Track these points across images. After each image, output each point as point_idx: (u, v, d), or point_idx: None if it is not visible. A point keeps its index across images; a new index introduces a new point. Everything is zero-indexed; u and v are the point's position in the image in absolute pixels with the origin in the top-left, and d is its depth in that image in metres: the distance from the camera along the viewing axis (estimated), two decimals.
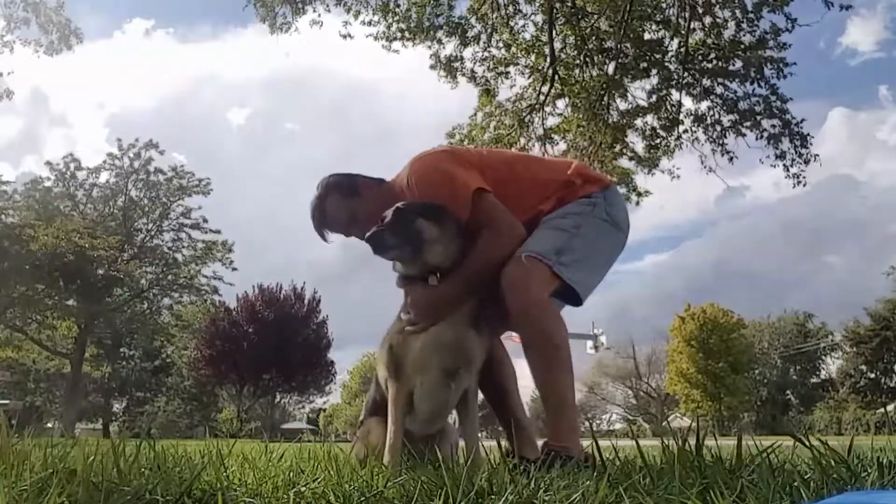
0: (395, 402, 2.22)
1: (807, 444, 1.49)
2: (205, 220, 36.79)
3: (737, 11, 10.03)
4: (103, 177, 36.85)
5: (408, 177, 2.45)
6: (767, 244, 77.88)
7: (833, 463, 1.39)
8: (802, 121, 10.29)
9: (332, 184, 2.57)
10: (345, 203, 2.52)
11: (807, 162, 10.30)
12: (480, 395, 2.46)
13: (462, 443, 2.41)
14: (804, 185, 10.37)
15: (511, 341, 2.70)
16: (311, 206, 2.59)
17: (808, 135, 10.33)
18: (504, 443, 2.40)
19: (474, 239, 2.29)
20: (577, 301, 2.42)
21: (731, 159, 10.79)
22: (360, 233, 2.40)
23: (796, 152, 10.29)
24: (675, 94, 10.88)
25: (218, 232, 36.93)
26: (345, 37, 10.51)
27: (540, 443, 2.34)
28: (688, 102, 10.92)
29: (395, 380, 2.24)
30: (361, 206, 2.50)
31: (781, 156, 10.35)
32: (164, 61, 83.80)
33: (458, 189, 2.33)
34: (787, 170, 10.32)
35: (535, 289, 2.27)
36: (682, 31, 10.34)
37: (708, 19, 10.28)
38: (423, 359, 2.22)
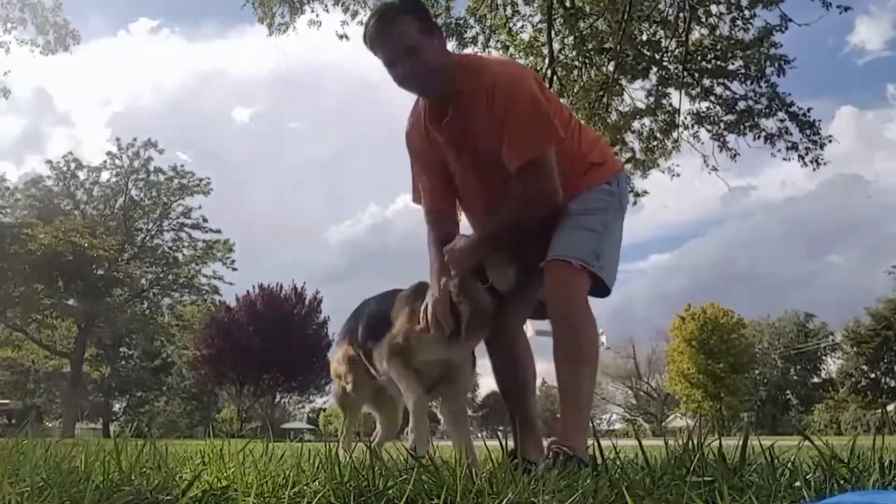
0: (402, 378, 2.36)
1: (815, 443, 1.49)
2: (205, 220, 36.89)
3: (732, 8, 10.09)
4: (104, 176, 36.98)
5: (490, 83, 2.24)
6: (772, 243, 77.84)
7: (834, 463, 1.39)
8: (810, 109, 10.38)
9: (417, 4, 2.37)
10: (416, 32, 2.24)
11: (822, 146, 10.41)
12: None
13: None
14: (825, 164, 10.46)
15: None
16: (375, 14, 2.33)
17: (818, 121, 10.46)
18: (508, 442, 2.39)
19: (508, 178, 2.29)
20: (604, 293, 2.47)
21: (733, 157, 10.85)
22: (406, 74, 2.27)
23: (809, 140, 10.37)
24: (674, 95, 10.91)
25: (218, 231, 37.02)
26: (341, 37, 10.51)
27: (545, 442, 2.36)
28: (687, 103, 10.95)
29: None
30: (428, 46, 2.26)
31: (793, 147, 10.43)
32: (169, 60, 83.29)
33: (539, 132, 2.24)
34: (802, 159, 10.42)
35: (576, 292, 2.33)
36: (681, 31, 10.35)
37: (706, 16, 10.31)
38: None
